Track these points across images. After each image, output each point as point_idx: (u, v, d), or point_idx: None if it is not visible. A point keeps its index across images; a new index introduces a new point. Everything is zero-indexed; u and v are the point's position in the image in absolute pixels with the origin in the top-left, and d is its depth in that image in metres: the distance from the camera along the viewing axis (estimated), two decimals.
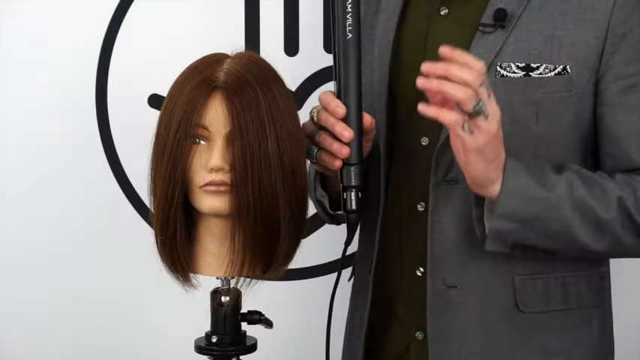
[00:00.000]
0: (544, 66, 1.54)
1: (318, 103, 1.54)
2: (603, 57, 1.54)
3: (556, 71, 1.54)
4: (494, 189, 1.48)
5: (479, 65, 1.38)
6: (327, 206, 1.65)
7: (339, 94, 1.51)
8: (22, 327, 2.24)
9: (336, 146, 1.49)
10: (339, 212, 1.56)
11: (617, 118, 1.55)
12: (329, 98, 1.51)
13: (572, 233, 1.51)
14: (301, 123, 1.54)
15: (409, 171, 1.62)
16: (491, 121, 1.41)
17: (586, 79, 1.54)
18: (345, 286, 1.76)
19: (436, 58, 1.58)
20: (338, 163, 1.50)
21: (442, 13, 1.61)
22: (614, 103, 1.55)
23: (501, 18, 1.55)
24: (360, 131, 1.50)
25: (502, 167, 1.47)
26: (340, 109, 1.49)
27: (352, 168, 1.50)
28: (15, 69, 2.19)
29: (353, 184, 1.51)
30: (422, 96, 1.59)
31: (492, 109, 1.41)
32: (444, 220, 1.57)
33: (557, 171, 1.51)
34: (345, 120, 1.49)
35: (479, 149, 1.42)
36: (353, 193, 1.51)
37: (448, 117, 1.39)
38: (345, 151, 1.49)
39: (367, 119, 1.51)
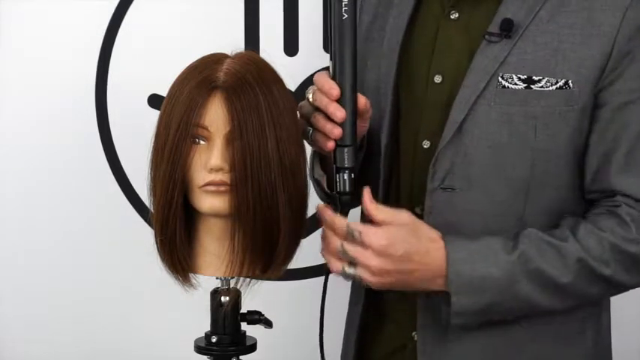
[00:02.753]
0: (546, 79, 1.53)
1: None
2: (605, 72, 1.53)
3: (557, 85, 1.53)
4: (440, 285, 1.51)
5: (340, 227, 1.48)
6: (325, 186, 1.63)
7: (334, 75, 1.50)
8: (22, 327, 2.24)
9: (329, 127, 1.49)
10: (334, 193, 1.55)
11: (607, 134, 1.54)
12: (324, 79, 1.51)
13: (534, 303, 1.52)
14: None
15: (409, 173, 1.62)
16: (366, 275, 1.48)
17: (587, 94, 1.53)
18: (343, 288, 1.76)
19: (443, 60, 1.59)
20: (331, 144, 1.50)
21: (452, 17, 1.60)
22: (607, 119, 1.54)
23: (508, 28, 1.54)
24: (354, 113, 1.50)
25: (442, 262, 1.49)
26: (334, 90, 1.49)
27: (345, 149, 1.50)
28: (15, 69, 2.19)
29: (346, 165, 1.51)
30: (427, 99, 1.60)
31: (361, 262, 1.47)
32: (440, 225, 1.56)
33: (510, 248, 1.51)
34: (339, 101, 1.49)
35: (384, 287, 1.50)
36: (346, 175, 1.51)
37: (333, 266, 1.50)
38: (337, 131, 1.49)
39: (362, 100, 1.51)
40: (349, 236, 1.47)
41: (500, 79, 1.54)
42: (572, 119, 1.54)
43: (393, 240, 1.47)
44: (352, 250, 1.47)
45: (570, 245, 1.51)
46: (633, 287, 1.58)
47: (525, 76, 1.54)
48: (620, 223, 1.52)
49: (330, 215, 1.50)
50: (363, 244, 1.47)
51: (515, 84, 1.54)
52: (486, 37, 1.55)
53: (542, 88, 1.53)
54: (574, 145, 1.56)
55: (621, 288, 1.57)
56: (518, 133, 1.53)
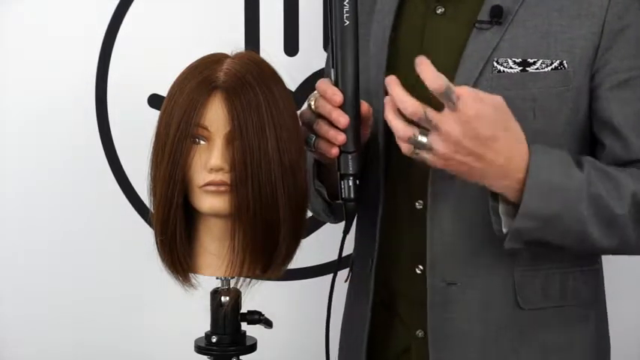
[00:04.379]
0: (541, 61, 1.55)
1: None
2: (599, 52, 1.55)
3: (553, 66, 1.55)
4: (506, 186, 1.45)
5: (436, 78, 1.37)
6: (326, 195, 1.63)
7: (336, 82, 1.51)
8: (23, 328, 2.24)
9: (332, 133, 1.49)
10: (338, 201, 1.55)
11: (612, 111, 1.56)
12: (326, 86, 1.51)
13: (587, 230, 1.49)
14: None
15: (407, 169, 1.62)
16: (439, 143, 1.39)
17: (582, 74, 1.55)
18: (343, 287, 1.76)
19: (432, 54, 1.58)
20: (335, 151, 1.50)
21: (438, 11, 1.62)
22: (608, 98, 1.56)
23: (497, 15, 1.55)
24: (357, 118, 1.50)
25: (521, 162, 1.43)
26: (337, 96, 1.49)
27: (350, 156, 1.50)
28: (15, 69, 2.19)
29: (350, 172, 1.50)
30: (418, 94, 1.60)
31: (442, 127, 1.38)
32: (443, 217, 1.57)
33: (578, 164, 1.49)
34: (342, 107, 1.49)
35: (447, 167, 1.42)
36: (350, 181, 1.51)
37: (400, 129, 1.40)
38: (340, 137, 1.49)
39: (364, 106, 1.52)
40: (444, 95, 1.36)
41: (495, 64, 1.55)
42: (569, 99, 1.55)
43: (486, 114, 1.38)
44: (437, 115, 1.37)
45: (625, 178, 1.51)
46: None
47: (520, 60, 1.55)
48: None
49: (429, 69, 1.37)
50: (452, 108, 1.37)
51: (511, 67, 1.55)
52: (477, 25, 1.56)
53: (537, 70, 1.54)
54: (572, 125, 1.57)
55: None
56: (517, 117, 1.53)
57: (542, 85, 1.54)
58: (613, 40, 1.54)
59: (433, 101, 1.56)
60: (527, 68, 1.55)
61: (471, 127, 1.38)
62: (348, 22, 1.50)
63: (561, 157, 1.49)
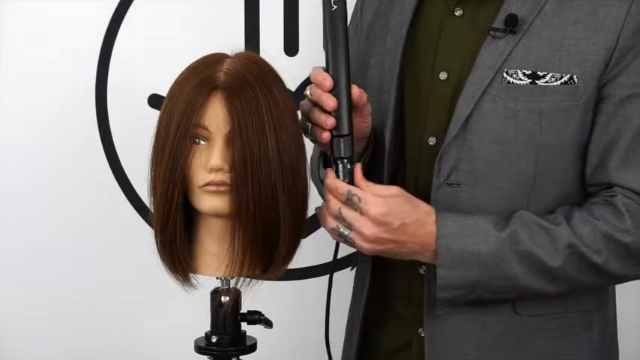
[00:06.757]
0: (550, 74, 1.54)
1: None
2: (608, 67, 1.54)
3: (562, 80, 1.54)
4: (428, 258, 1.53)
5: (341, 191, 1.49)
6: None
7: (327, 68, 1.51)
8: (22, 327, 2.24)
9: (322, 118, 1.50)
10: None
11: (609, 127, 1.55)
12: (317, 72, 1.52)
13: (521, 285, 1.53)
14: None
15: (414, 170, 1.63)
16: (358, 239, 1.49)
17: (592, 89, 1.54)
18: (346, 286, 1.76)
19: (448, 57, 1.60)
20: (325, 135, 1.51)
21: (457, 13, 1.61)
22: (609, 112, 1.55)
23: (512, 24, 1.54)
24: (349, 103, 1.51)
25: (432, 237, 1.51)
26: (327, 81, 1.50)
27: (342, 139, 1.51)
28: (15, 69, 2.19)
29: (343, 155, 1.51)
30: (432, 96, 1.60)
31: (357, 229, 1.49)
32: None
33: (500, 226, 1.52)
34: (334, 92, 1.50)
35: (375, 252, 1.52)
36: (342, 165, 1.51)
37: (328, 224, 1.52)
38: (330, 121, 1.50)
39: (356, 91, 1.52)
40: (348, 201, 1.48)
41: (505, 74, 1.55)
42: (577, 114, 1.55)
43: (391, 210, 1.48)
44: (350, 215, 1.49)
45: (562, 230, 1.53)
46: (623, 278, 1.59)
47: (530, 72, 1.54)
48: (615, 212, 1.53)
49: (331, 178, 1.50)
50: (361, 211, 1.48)
51: (520, 79, 1.54)
52: (491, 32, 1.56)
53: (547, 84, 1.54)
54: (579, 140, 1.56)
55: (611, 277, 1.58)
56: (524, 129, 1.54)
57: (550, 99, 1.54)
58: (624, 55, 1.53)
59: (450, 101, 1.57)
60: (537, 81, 1.54)
61: (383, 223, 1.48)
62: (335, 7, 1.50)
63: (474, 224, 1.52)
